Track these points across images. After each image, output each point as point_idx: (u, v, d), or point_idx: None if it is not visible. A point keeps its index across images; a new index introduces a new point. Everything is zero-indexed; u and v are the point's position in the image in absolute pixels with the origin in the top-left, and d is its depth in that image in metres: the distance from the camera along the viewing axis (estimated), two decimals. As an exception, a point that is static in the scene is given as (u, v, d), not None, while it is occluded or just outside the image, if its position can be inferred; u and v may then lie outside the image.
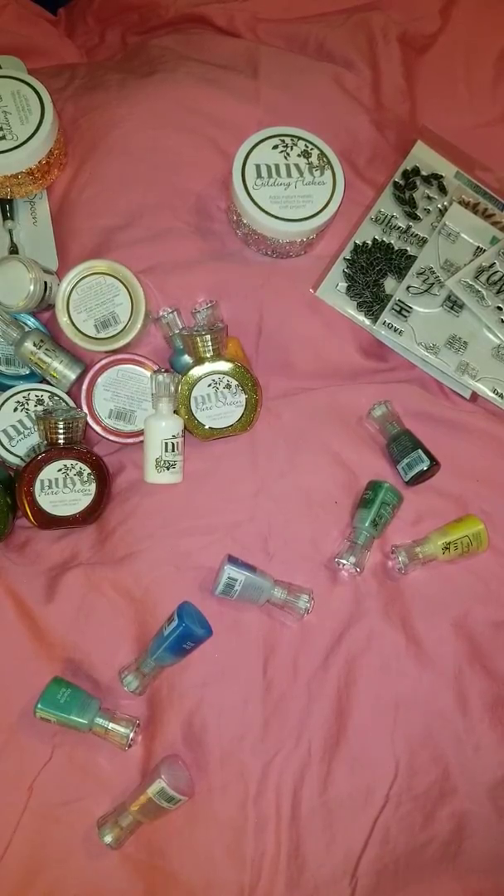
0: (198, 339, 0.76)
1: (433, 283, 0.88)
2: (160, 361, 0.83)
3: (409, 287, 0.87)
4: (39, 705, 0.65)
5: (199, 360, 0.77)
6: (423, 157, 0.94)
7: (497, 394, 0.87)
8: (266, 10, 1.02)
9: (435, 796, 0.69)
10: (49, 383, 0.81)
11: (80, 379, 0.80)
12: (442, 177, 0.94)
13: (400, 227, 0.90)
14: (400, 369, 0.89)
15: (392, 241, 0.90)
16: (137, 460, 0.80)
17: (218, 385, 0.78)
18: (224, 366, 0.77)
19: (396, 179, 0.92)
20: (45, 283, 0.78)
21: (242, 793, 0.68)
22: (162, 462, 0.75)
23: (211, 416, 0.78)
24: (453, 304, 0.88)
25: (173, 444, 0.75)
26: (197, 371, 0.77)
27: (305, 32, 1.00)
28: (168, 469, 0.75)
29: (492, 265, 0.89)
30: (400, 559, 0.75)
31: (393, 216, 0.91)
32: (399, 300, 0.87)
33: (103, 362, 0.80)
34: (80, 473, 0.75)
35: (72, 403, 0.81)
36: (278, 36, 1.01)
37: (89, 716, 0.66)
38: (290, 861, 0.67)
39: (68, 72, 0.97)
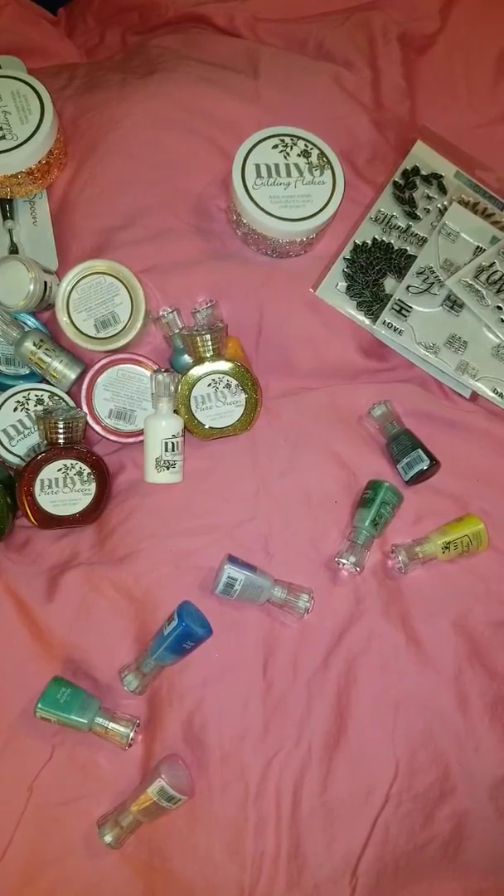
0: (198, 338, 0.76)
1: (433, 283, 0.88)
2: (160, 361, 0.83)
3: (408, 287, 0.87)
4: (39, 705, 0.65)
5: (199, 360, 0.77)
6: (423, 156, 0.94)
7: (497, 393, 0.87)
8: (266, 9, 1.02)
9: (435, 796, 0.69)
10: (49, 383, 0.81)
11: (80, 379, 0.80)
12: (442, 176, 0.94)
13: (400, 227, 0.90)
14: (400, 369, 0.89)
15: (392, 241, 0.90)
16: (137, 460, 0.80)
17: (218, 385, 0.78)
18: (224, 365, 0.77)
19: (396, 179, 0.92)
20: (45, 282, 0.78)
21: (242, 792, 0.68)
22: (162, 462, 0.75)
23: (211, 416, 0.78)
24: (453, 303, 0.88)
25: (173, 444, 0.75)
26: (197, 371, 0.77)
27: (305, 32, 1.00)
28: (168, 469, 0.75)
29: (491, 265, 0.89)
30: (400, 559, 0.75)
31: (393, 216, 0.91)
32: (399, 300, 0.87)
33: (103, 362, 0.80)
34: (80, 473, 0.75)
35: (72, 403, 0.81)
36: (278, 36, 1.01)
37: (89, 716, 0.66)
38: (290, 860, 0.67)
39: (68, 72, 0.97)
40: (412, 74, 0.99)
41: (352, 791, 0.69)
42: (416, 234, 0.90)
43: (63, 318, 0.78)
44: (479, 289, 0.88)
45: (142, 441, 0.77)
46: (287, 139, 0.81)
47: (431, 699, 0.72)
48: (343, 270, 0.87)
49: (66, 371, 0.79)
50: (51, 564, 0.76)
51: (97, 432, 0.81)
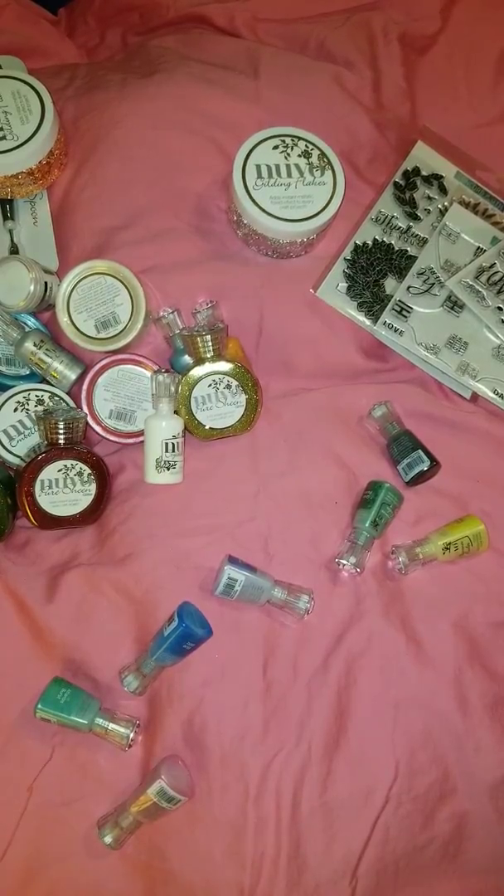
0: (198, 339, 0.76)
1: (433, 284, 0.88)
2: (160, 361, 0.83)
3: (409, 287, 0.87)
4: (39, 705, 0.65)
5: (200, 361, 0.77)
6: (424, 157, 0.94)
7: (497, 394, 0.87)
8: (266, 10, 1.02)
9: (435, 797, 0.69)
10: (49, 383, 0.81)
11: (80, 379, 0.80)
12: (442, 177, 0.94)
13: (400, 228, 0.90)
14: (400, 369, 0.89)
15: (392, 242, 0.90)
16: (137, 460, 0.80)
17: (218, 385, 0.78)
18: (224, 366, 0.77)
19: (397, 179, 0.92)
20: (46, 283, 0.78)
21: (242, 793, 0.68)
22: (162, 462, 0.75)
23: (211, 417, 0.78)
24: (454, 304, 0.88)
25: (173, 445, 0.75)
26: (197, 371, 0.77)
27: (306, 32, 1.00)
28: (168, 469, 0.75)
29: (492, 265, 0.89)
30: (400, 559, 0.75)
31: (393, 216, 0.91)
32: (399, 300, 0.87)
33: (103, 362, 0.80)
34: (80, 473, 0.75)
35: (72, 403, 0.81)
36: (278, 36, 1.01)
37: (89, 716, 0.66)
38: (290, 861, 0.67)
39: (68, 72, 0.97)
40: (413, 75, 0.99)
41: (352, 792, 0.69)
42: (417, 235, 0.90)
43: (63, 319, 0.78)
44: (480, 289, 0.88)
45: (142, 442, 0.77)
46: (288, 140, 0.81)
47: (431, 700, 0.72)
48: (343, 271, 0.87)
49: (66, 371, 0.79)
50: (51, 565, 0.76)
51: (97, 433, 0.81)
